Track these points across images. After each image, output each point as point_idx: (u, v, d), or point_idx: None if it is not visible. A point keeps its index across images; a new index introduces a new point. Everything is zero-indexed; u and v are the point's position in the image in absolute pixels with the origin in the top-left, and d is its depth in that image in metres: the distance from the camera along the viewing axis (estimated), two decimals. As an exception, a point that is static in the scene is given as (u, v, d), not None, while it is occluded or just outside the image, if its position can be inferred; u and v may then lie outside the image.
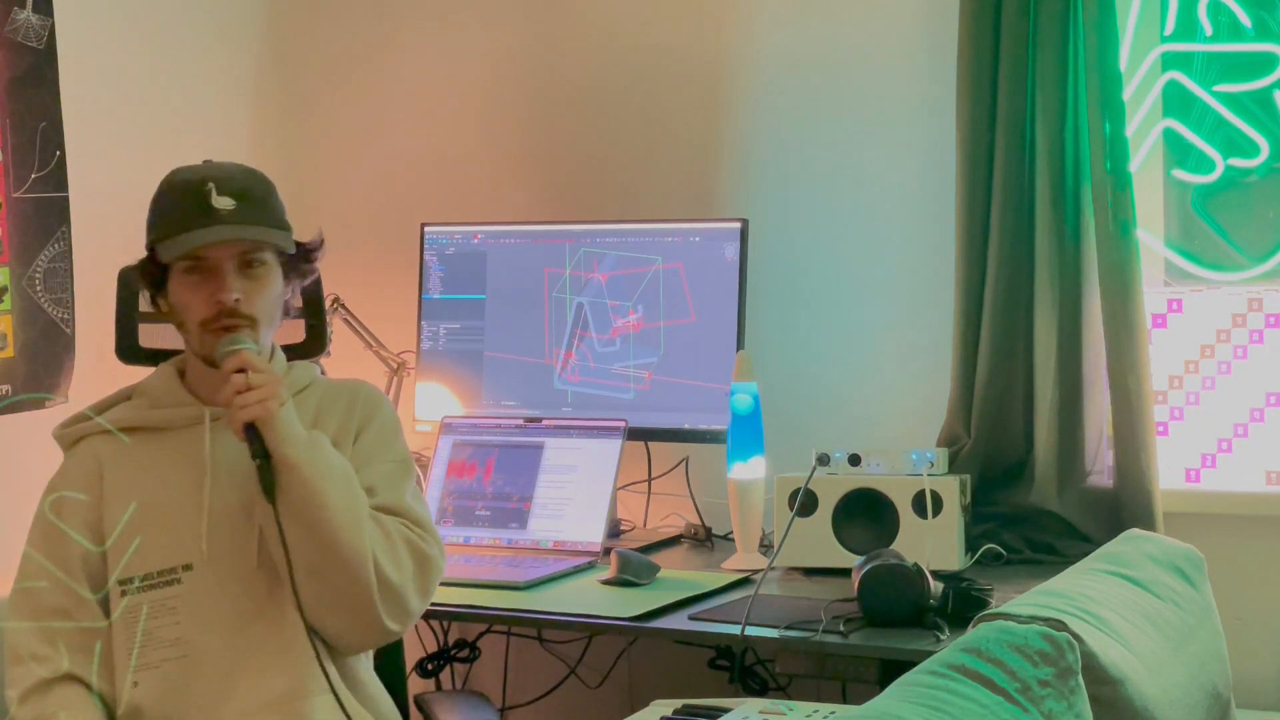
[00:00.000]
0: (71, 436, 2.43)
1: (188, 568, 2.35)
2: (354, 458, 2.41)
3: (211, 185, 2.32)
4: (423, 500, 2.50)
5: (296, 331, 2.68)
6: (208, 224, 2.31)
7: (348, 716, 2.34)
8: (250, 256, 2.35)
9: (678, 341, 3.41)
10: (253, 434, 2.28)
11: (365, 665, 2.48)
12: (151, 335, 2.75)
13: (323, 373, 2.70)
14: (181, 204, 2.33)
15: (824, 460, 3.04)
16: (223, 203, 2.32)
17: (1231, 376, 3.22)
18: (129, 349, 2.74)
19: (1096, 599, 2.16)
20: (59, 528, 2.36)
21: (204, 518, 2.35)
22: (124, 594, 2.34)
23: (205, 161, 2.42)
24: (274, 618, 2.35)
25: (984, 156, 3.19)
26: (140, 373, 2.60)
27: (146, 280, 2.39)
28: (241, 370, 2.29)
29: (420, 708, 2.78)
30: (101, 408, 2.46)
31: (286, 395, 2.33)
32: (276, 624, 2.35)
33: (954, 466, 3.14)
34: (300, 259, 2.44)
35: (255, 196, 2.36)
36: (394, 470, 2.46)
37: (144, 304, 2.75)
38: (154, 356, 2.69)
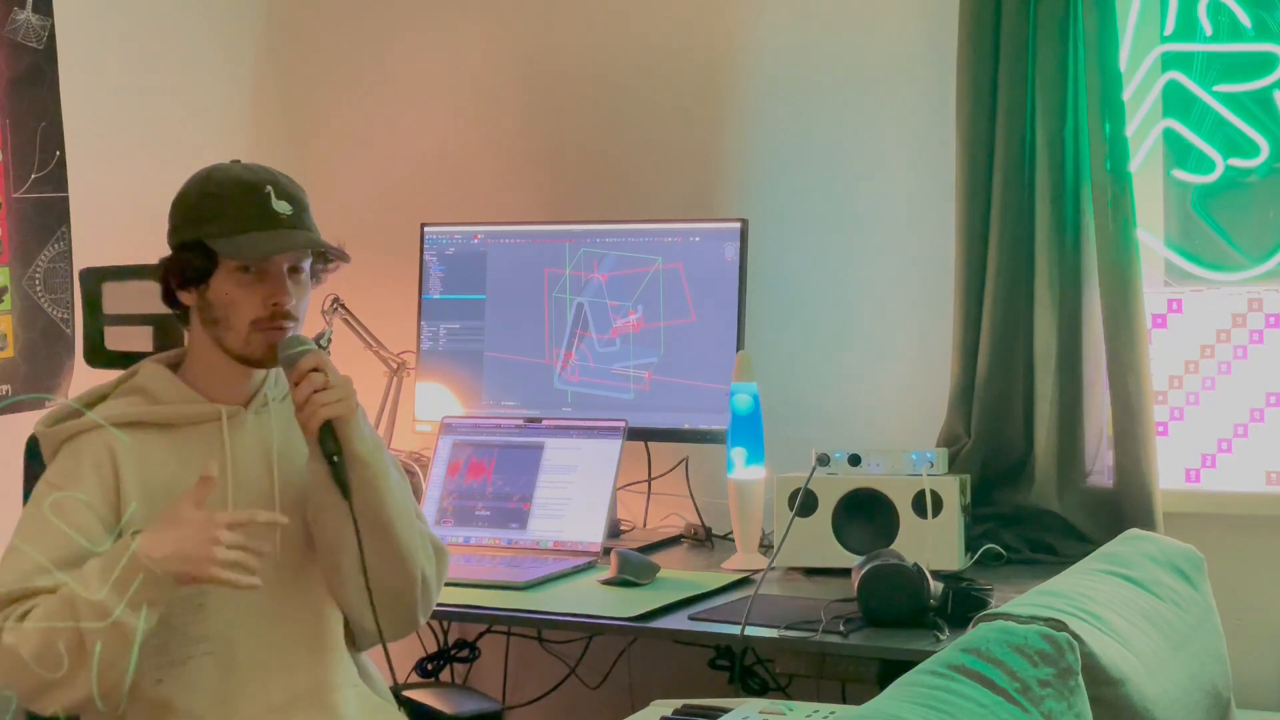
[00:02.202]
0: (65, 433, 2.40)
1: None
2: None
3: (270, 188, 2.34)
4: None
5: None
6: (272, 227, 2.33)
7: (404, 708, 2.39)
8: (298, 261, 2.37)
9: (678, 341, 3.41)
10: (327, 432, 2.30)
11: (368, 657, 2.52)
12: (119, 338, 2.71)
13: None
14: (242, 204, 2.33)
15: (824, 460, 3.04)
16: (282, 206, 2.33)
17: (1231, 376, 3.22)
18: (98, 353, 2.71)
19: (1096, 599, 2.16)
20: (60, 528, 2.34)
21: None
22: None
23: (234, 161, 2.42)
24: (301, 612, 2.38)
25: (984, 156, 3.19)
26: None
27: (184, 273, 2.37)
28: (317, 369, 2.31)
29: (402, 700, 2.80)
30: (88, 405, 2.43)
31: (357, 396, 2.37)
32: (304, 618, 2.38)
33: (954, 466, 3.14)
34: (324, 267, 2.46)
35: (303, 202, 2.39)
36: (398, 473, 2.49)
37: (108, 305, 2.73)
38: (122, 359, 2.66)
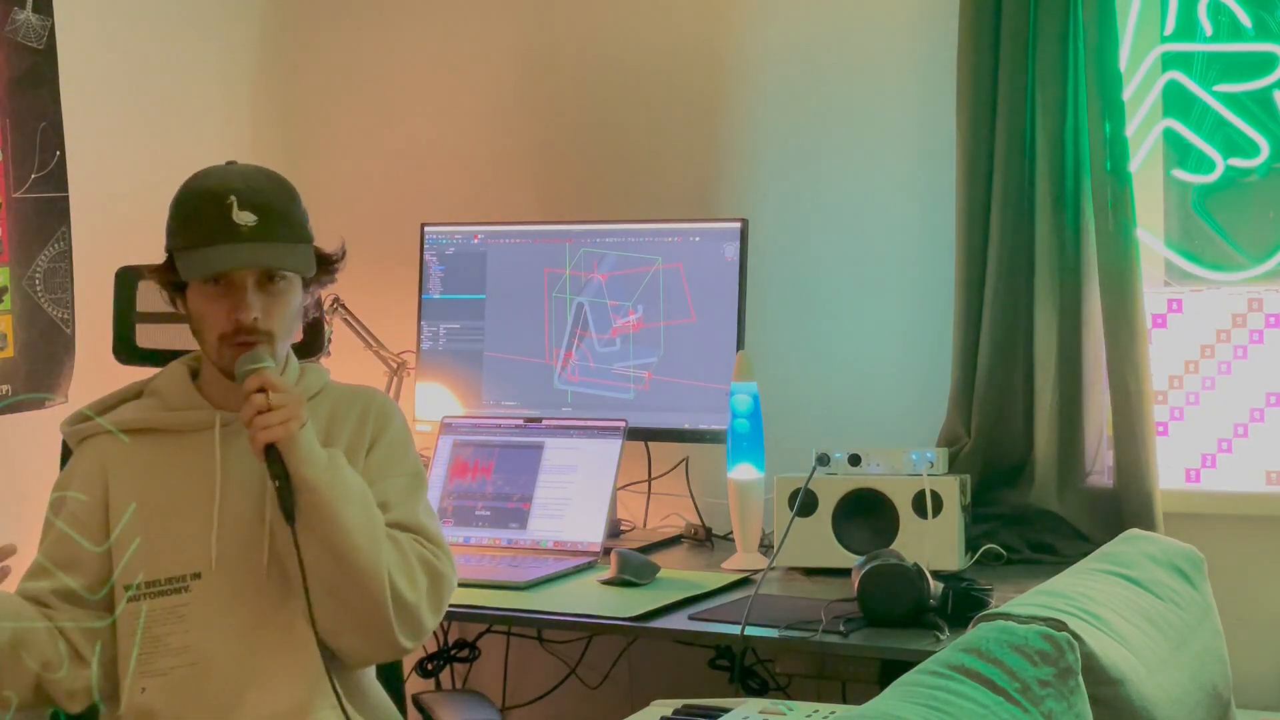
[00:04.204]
0: (80, 434, 2.42)
1: (197, 576, 2.33)
2: (367, 471, 2.39)
3: (234, 198, 2.28)
4: (433, 514, 2.48)
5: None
6: (228, 240, 2.28)
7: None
8: (271, 272, 2.32)
9: (678, 341, 3.41)
10: (273, 454, 2.25)
11: (368, 673, 2.48)
12: (150, 335, 2.74)
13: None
14: (202, 216, 2.30)
15: (824, 460, 3.04)
16: (244, 218, 2.28)
17: (1231, 376, 3.22)
18: (127, 349, 2.74)
19: (1096, 599, 2.16)
20: (59, 527, 2.35)
21: (214, 526, 2.34)
22: (130, 599, 2.33)
23: (229, 163, 2.39)
24: (283, 630, 2.34)
25: (984, 156, 3.19)
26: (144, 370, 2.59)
27: (165, 284, 2.37)
28: (262, 390, 2.26)
29: (419, 707, 2.78)
30: (108, 405, 2.44)
31: (306, 415, 2.30)
32: (285, 636, 2.34)
33: (954, 466, 3.14)
34: (321, 271, 2.40)
35: (277, 209, 2.32)
36: (407, 485, 2.44)
37: (142, 303, 2.74)
38: (153, 357, 2.68)
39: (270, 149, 3.87)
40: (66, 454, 2.59)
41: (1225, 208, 3.24)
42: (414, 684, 3.48)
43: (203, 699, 2.31)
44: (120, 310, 2.75)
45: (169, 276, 2.35)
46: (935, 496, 2.96)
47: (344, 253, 2.43)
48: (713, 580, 3.00)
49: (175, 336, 2.68)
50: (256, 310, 2.30)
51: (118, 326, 2.75)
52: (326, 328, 3.42)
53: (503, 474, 3.36)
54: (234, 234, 2.28)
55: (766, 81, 3.57)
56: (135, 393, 2.46)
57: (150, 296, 2.72)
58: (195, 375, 2.45)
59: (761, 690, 3.23)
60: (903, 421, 3.39)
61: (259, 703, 2.31)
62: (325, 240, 2.42)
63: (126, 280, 2.76)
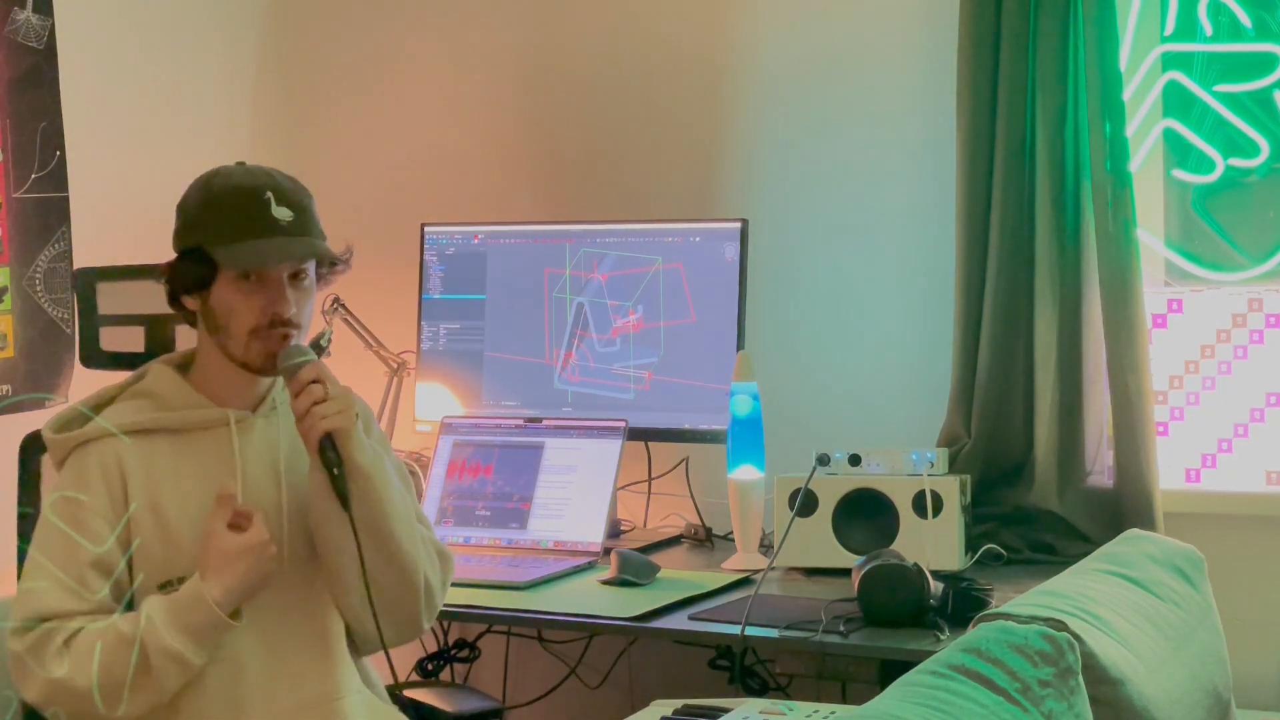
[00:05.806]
0: (74, 440, 2.38)
1: None
2: None
3: (270, 195, 2.32)
4: None
5: None
6: (272, 235, 2.31)
7: (407, 712, 2.42)
8: (300, 268, 2.36)
9: (678, 341, 3.41)
10: (328, 444, 2.30)
11: (367, 662, 2.52)
12: (115, 338, 2.71)
13: None
14: (242, 211, 2.32)
15: (824, 460, 3.04)
16: (282, 213, 2.32)
17: (1231, 376, 3.22)
18: (94, 354, 2.70)
19: (1096, 599, 2.16)
20: (64, 531, 2.33)
21: None
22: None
23: (239, 164, 2.40)
24: (308, 619, 2.38)
25: (984, 156, 3.19)
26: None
27: (185, 280, 2.36)
28: (317, 381, 2.31)
29: (399, 700, 2.80)
30: (96, 408, 2.43)
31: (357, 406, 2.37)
32: (310, 625, 2.38)
33: (954, 466, 3.14)
34: (330, 269, 2.45)
35: (306, 207, 2.37)
36: (401, 478, 2.49)
37: (104, 306, 2.73)
38: (117, 361, 2.66)
39: (270, 149, 3.87)
40: (24, 460, 2.56)
41: (1225, 208, 3.24)
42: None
43: (231, 693, 2.33)
44: (84, 314, 2.69)
45: (194, 272, 2.35)
46: (935, 496, 2.96)
47: (351, 254, 2.46)
48: (713, 580, 3.00)
49: (136, 340, 2.66)
50: (294, 304, 2.34)
51: (84, 331, 2.69)
52: (326, 329, 3.44)
53: (503, 474, 3.36)
54: (275, 228, 2.32)
55: (766, 82, 3.57)
56: (109, 398, 2.43)
57: (112, 299, 2.69)
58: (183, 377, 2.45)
59: (761, 690, 3.23)
60: (903, 421, 3.39)
61: (288, 692, 2.35)
62: (330, 242, 2.44)
63: (86, 283, 2.71)
